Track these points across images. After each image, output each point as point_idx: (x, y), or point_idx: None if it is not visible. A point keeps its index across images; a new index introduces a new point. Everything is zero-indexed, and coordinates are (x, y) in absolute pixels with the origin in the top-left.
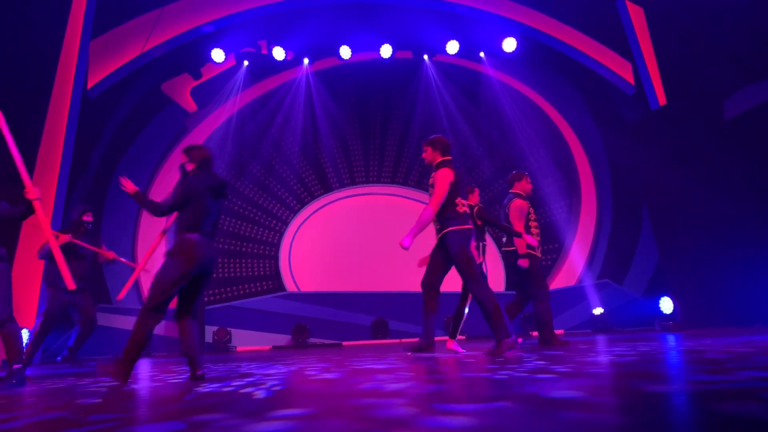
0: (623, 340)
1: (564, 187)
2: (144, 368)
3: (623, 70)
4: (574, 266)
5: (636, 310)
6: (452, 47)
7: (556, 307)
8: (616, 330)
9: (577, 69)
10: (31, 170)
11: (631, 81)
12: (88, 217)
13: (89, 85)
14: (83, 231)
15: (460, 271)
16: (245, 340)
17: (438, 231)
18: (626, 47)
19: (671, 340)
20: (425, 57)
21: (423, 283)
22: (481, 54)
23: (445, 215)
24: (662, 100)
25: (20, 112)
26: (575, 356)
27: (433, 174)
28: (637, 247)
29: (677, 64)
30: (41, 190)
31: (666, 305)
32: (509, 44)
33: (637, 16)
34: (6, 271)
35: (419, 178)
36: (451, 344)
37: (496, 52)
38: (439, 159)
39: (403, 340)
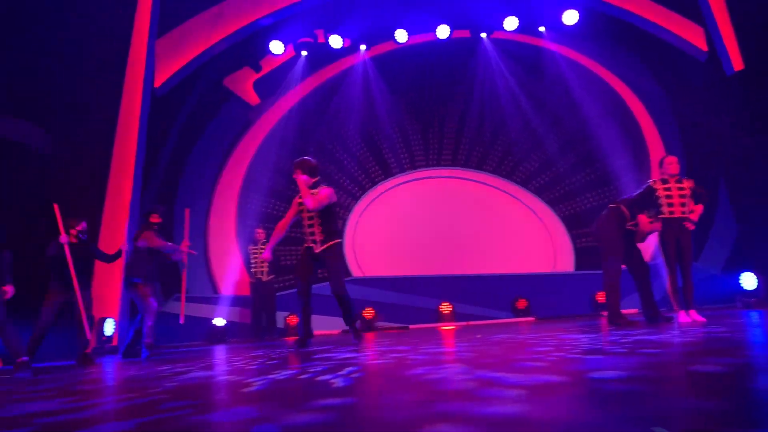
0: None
1: (634, 160)
2: (223, 355)
3: (694, 35)
4: (645, 243)
5: (715, 287)
6: (511, 23)
7: (629, 286)
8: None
9: (644, 38)
10: (107, 168)
11: (703, 47)
12: (155, 219)
13: (157, 84)
14: (155, 230)
15: None
16: (314, 325)
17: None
18: (697, 12)
19: (755, 317)
20: (483, 35)
21: None
22: (541, 28)
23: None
24: (738, 65)
25: (93, 113)
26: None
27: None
28: (714, 220)
29: (754, 27)
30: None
31: (748, 281)
32: (570, 16)
33: None
34: None
35: (480, 159)
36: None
37: (556, 25)
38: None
39: (470, 323)
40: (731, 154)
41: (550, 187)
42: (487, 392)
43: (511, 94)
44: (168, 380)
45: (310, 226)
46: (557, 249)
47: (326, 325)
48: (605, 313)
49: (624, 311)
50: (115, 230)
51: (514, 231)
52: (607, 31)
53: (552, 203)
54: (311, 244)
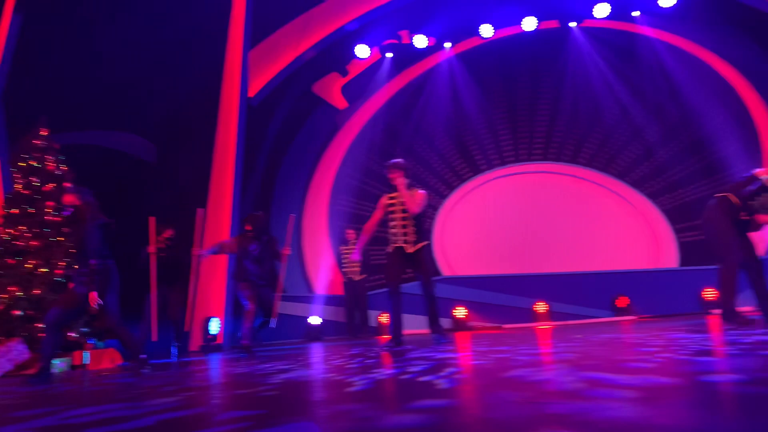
0: None
1: (744, 147)
2: (321, 353)
3: None
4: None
5: None
6: (601, 10)
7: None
8: None
9: (752, 16)
10: (207, 176)
11: None
12: (247, 226)
13: (251, 94)
14: (251, 237)
15: None
16: (407, 324)
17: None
18: None
19: None
20: (572, 24)
21: None
22: (635, 13)
23: None
24: None
25: (194, 124)
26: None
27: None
28: None
29: None
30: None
31: None
32: None
33: None
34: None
35: (573, 152)
36: None
37: (652, 9)
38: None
39: (567, 323)
40: None
41: (651, 179)
42: (597, 393)
43: (606, 84)
44: (272, 377)
45: (404, 226)
46: (660, 244)
47: (417, 325)
48: (715, 311)
49: (739, 309)
50: (217, 235)
51: (612, 226)
52: (711, 11)
53: (653, 196)
54: (402, 245)
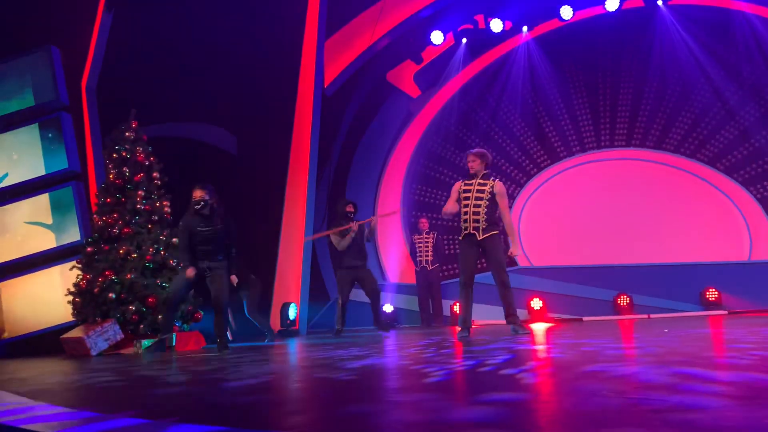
0: None
1: None
2: (395, 341)
3: None
4: None
5: None
6: None
7: None
8: None
9: None
10: (285, 167)
11: None
12: (350, 209)
13: (325, 84)
14: (349, 219)
15: None
16: (482, 314)
17: None
18: None
19: None
20: (659, 2)
21: None
22: None
23: None
24: None
25: (272, 116)
26: None
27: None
28: None
29: None
30: None
31: None
32: None
33: None
34: None
35: (659, 138)
36: None
37: None
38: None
39: (651, 316)
40: None
41: (745, 165)
42: (691, 387)
43: (696, 64)
44: (350, 363)
45: (476, 213)
46: (754, 235)
47: (493, 315)
48: None
49: None
50: (293, 226)
51: (701, 215)
52: None
53: (747, 183)
54: (473, 231)
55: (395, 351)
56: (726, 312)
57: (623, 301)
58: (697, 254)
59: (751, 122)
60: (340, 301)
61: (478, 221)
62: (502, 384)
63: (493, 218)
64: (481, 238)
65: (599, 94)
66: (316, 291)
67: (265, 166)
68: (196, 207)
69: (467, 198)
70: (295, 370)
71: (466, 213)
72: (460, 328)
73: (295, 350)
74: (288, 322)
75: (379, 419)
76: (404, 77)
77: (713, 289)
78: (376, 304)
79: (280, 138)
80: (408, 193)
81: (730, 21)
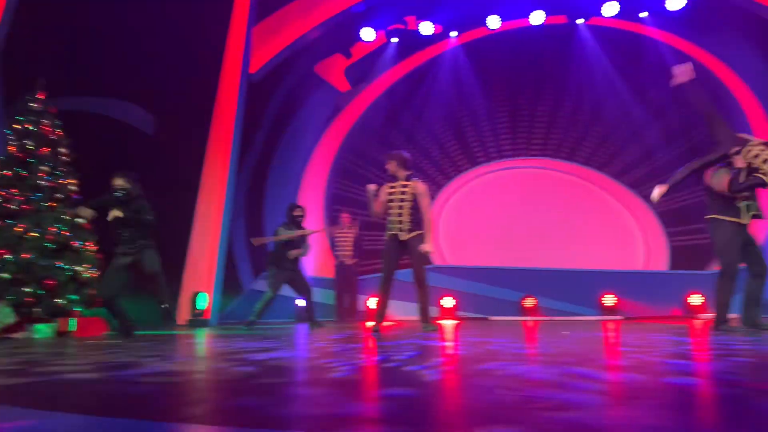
0: None
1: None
2: (306, 335)
3: None
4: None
5: None
6: (610, 9)
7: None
8: None
9: (760, 24)
10: (203, 151)
11: None
12: (298, 213)
13: (252, 70)
14: (297, 223)
15: None
16: (398, 310)
17: None
18: None
19: None
20: (580, 21)
21: None
22: (643, 14)
23: None
24: None
25: (194, 97)
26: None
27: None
28: None
29: None
30: None
31: None
32: (675, 1)
33: None
34: None
35: (571, 150)
36: None
37: (659, 10)
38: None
39: (554, 318)
40: None
41: (647, 181)
42: (577, 386)
43: (609, 83)
44: (257, 354)
45: (400, 215)
46: (650, 246)
47: (407, 312)
48: (701, 316)
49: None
50: (211, 209)
51: (604, 225)
52: (717, 17)
53: (648, 198)
54: (398, 232)
55: (305, 345)
56: (622, 317)
57: (529, 303)
58: (598, 262)
59: (654, 142)
60: (270, 296)
61: (401, 222)
62: (403, 379)
63: (417, 219)
64: (405, 238)
65: (520, 104)
66: (230, 281)
67: (183, 149)
68: (117, 196)
69: (392, 200)
70: (198, 361)
71: (391, 215)
72: (374, 323)
73: (202, 341)
74: (197, 311)
75: (272, 411)
76: (333, 71)
77: (611, 295)
78: (311, 302)
79: (201, 121)
80: (332, 186)
81: (641, 45)
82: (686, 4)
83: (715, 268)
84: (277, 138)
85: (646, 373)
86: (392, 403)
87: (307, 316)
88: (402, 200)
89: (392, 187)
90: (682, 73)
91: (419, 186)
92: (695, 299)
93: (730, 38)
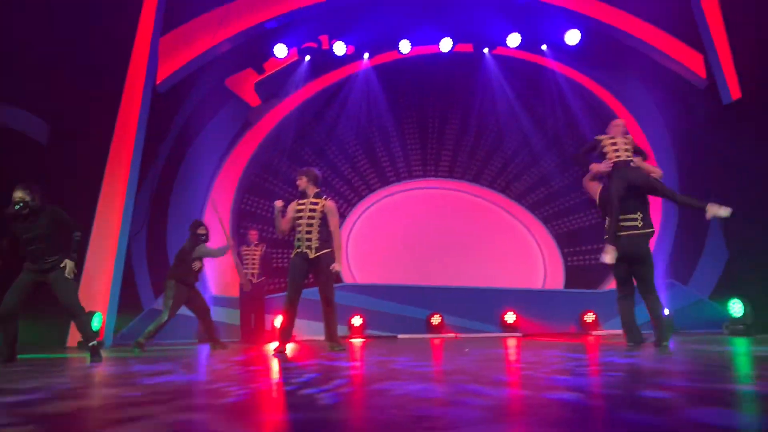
0: (686, 343)
1: None
2: (207, 356)
3: (694, 63)
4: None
5: (703, 312)
6: (513, 40)
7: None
8: (681, 332)
9: (644, 62)
10: (103, 163)
11: (703, 74)
12: (201, 231)
13: (159, 80)
14: (201, 241)
15: None
16: (303, 330)
17: None
18: (698, 39)
19: (737, 344)
20: (485, 50)
21: None
22: (543, 47)
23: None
24: (736, 94)
25: (94, 106)
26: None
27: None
28: (705, 245)
29: (753, 56)
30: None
31: (736, 308)
32: (572, 36)
33: (710, 6)
34: None
35: (477, 173)
36: None
37: (558, 44)
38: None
39: (458, 336)
40: (725, 182)
41: (545, 204)
42: (466, 401)
43: (511, 111)
44: (148, 378)
45: (309, 232)
46: (548, 266)
47: (314, 331)
48: (594, 333)
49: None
50: (108, 223)
51: (507, 245)
52: (609, 53)
53: (546, 220)
54: (306, 250)
55: (202, 367)
56: (521, 335)
57: (435, 320)
58: (501, 280)
59: (551, 168)
60: (167, 317)
61: (310, 240)
62: (297, 404)
63: (325, 237)
64: (313, 256)
65: (428, 127)
66: (127, 300)
67: (81, 159)
68: (16, 209)
69: (300, 217)
70: (82, 386)
71: (299, 232)
72: (278, 344)
73: (93, 364)
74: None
75: None
76: (244, 85)
77: (512, 312)
78: (209, 321)
79: (101, 131)
80: (239, 202)
81: (541, 76)
82: (581, 40)
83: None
84: (184, 151)
85: (531, 388)
86: (279, 430)
87: (209, 336)
88: (311, 217)
89: (301, 204)
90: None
91: (329, 204)
92: (589, 317)
93: (617, 72)
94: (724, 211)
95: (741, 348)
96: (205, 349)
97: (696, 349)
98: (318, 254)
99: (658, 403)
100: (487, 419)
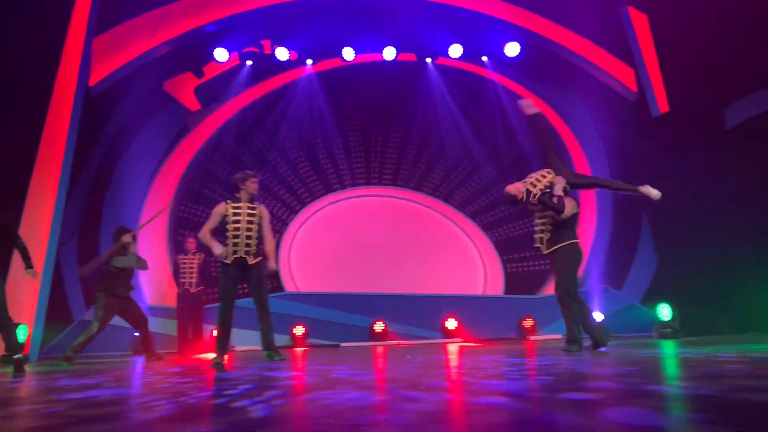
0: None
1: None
2: (141, 368)
3: (626, 77)
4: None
5: (634, 316)
6: (455, 51)
7: (553, 313)
8: (614, 336)
9: (580, 74)
10: (30, 168)
11: (634, 88)
12: (127, 239)
13: (92, 83)
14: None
15: None
16: (243, 340)
17: None
18: (629, 54)
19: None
20: (428, 60)
21: None
22: (484, 58)
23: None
24: (664, 107)
25: (21, 109)
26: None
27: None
28: (636, 253)
29: (680, 72)
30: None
31: (664, 312)
32: (512, 48)
33: (640, 24)
34: None
35: (419, 181)
36: None
37: (498, 56)
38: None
39: (401, 343)
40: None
41: (485, 212)
42: (401, 408)
43: (452, 120)
44: (74, 393)
45: (249, 237)
46: (488, 272)
47: (252, 341)
48: (532, 338)
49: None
50: (36, 229)
51: (448, 253)
52: (546, 65)
53: (486, 228)
54: (245, 256)
55: (134, 380)
56: (462, 340)
57: (378, 327)
58: (443, 287)
59: (491, 178)
60: (97, 329)
61: (250, 245)
62: (226, 417)
63: (262, 242)
64: (252, 263)
65: (372, 134)
66: (56, 311)
67: (5, 163)
68: None
69: (237, 221)
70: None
71: (237, 237)
72: (215, 355)
73: (16, 378)
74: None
75: None
76: (183, 89)
77: (453, 319)
78: (146, 332)
79: (28, 133)
80: (177, 209)
81: (483, 87)
82: (520, 52)
83: (546, 292)
84: (119, 155)
85: (465, 393)
86: None
87: (144, 347)
88: (251, 222)
89: (237, 208)
90: (528, 105)
91: (265, 210)
92: (528, 322)
93: (555, 84)
94: (655, 192)
95: (668, 350)
96: (139, 361)
97: (625, 352)
98: (256, 260)
99: (582, 404)
100: (421, 424)
